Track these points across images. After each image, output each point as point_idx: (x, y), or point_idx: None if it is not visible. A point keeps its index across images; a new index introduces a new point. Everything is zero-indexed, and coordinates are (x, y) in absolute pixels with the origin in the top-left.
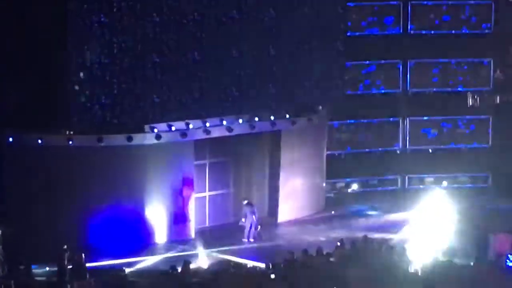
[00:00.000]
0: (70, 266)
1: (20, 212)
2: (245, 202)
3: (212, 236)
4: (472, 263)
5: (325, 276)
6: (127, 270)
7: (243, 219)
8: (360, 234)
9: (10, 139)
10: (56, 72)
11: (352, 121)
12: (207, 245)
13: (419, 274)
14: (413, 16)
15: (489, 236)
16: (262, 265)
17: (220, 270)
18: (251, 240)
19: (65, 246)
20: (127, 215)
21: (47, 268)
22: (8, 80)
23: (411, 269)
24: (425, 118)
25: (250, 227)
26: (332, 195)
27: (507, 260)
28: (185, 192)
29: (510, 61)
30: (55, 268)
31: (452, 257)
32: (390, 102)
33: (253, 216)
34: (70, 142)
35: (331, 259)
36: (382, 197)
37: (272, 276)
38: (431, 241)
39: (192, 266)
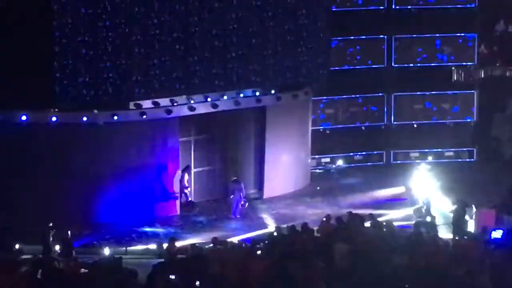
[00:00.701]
0: (57, 244)
1: (3, 190)
2: (233, 179)
3: (198, 213)
4: (456, 237)
5: (310, 251)
6: (112, 247)
7: (231, 196)
8: (345, 210)
9: None
10: (40, 49)
11: (337, 97)
12: (193, 221)
13: (404, 248)
14: None
15: (473, 211)
16: (247, 241)
17: (206, 247)
18: (238, 216)
19: (51, 224)
20: (111, 193)
21: (33, 247)
22: None
23: (396, 244)
24: (410, 93)
25: (237, 204)
26: (317, 170)
27: (491, 235)
28: (170, 169)
29: (494, 36)
30: (41, 246)
31: (436, 232)
32: (375, 77)
33: (240, 193)
34: (54, 119)
35: (317, 235)
36: (367, 173)
37: (258, 252)
38: (415, 216)
39: (177, 243)
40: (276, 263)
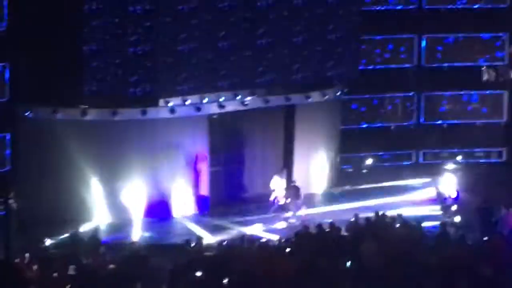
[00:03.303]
0: (85, 239)
1: (34, 186)
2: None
3: (227, 211)
4: (484, 238)
5: (338, 250)
6: (142, 244)
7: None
8: (373, 210)
9: (26, 113)
10: (71, 46)
11: (367, 96)
12: (222, 219)
13: (433, 249)
14: None
15: (502, 211)
16: (275, 239)
17: (233, 244)
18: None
19: (78, 219)
20: (142, 190)
21: (62, 241)
22: (23, 55)
23: (424, 244)
24: (439, 93)
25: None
26: (346, 170)
27: None
28: (199, 166)
29: None
30: (69, 241)
31: (465, 232)
32: (404, 77)
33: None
34: (85, 116)
35: (345, 234)
36: (396, 172)
37: (287, 249)
38: (444, 216)
39: (206, 240)
40: (305, 261)
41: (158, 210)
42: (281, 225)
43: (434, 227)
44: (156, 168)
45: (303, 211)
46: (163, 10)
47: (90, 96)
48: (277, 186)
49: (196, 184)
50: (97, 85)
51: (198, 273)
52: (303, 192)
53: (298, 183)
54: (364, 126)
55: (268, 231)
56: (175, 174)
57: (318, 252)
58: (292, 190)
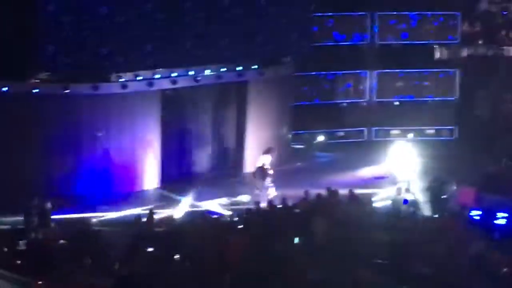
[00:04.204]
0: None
1: None
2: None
3: (178, 187)
4: (436, 215)
5: (289, 226)
6: (93, 219)
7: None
8: (325, 187)
9: None
10: (23, 19)
11: (319, 73)
12: (173, 194)
13: (384, 226)
14: None
15: (453, 188)
16: (227, 216)
17: (185, 221)
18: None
19: (33, 194)
20: (92, 165)
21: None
22: None
23: (376, 221)
24: (392, 70)
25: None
26: (298, 146)
27: (470, 213)
28: (150, 142)
29: (477, 15)
30: (21, 217)
31: (416, 210)
32: (357, 54)
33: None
34: (36, 90)
35: (296, 210)
36: (348, 150)
37: (240, 226)
38: (396, 193)
39: (156, 216)
40: (256, 238)
41: (112, 185)
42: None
43: (385, 204)
44: (109, 143)
45: (272, 192)
46: None
47: (41, 71)
48: (265, 164)
49: (147, 159)
50: (49, 60)
51: (150, 249)
52: (268, 172)
53: (266, 165)
54: (316, 103)
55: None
56: (128, 149)
57: (270, 229)
58: (259, 171)
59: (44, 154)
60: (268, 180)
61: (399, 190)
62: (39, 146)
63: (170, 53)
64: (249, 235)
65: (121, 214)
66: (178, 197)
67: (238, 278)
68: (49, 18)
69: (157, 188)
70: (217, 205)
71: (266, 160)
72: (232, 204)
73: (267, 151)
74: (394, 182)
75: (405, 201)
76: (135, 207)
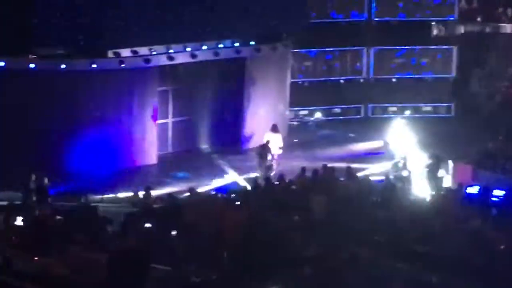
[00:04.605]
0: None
1: None
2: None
3: (175, 162)
4: (432, 192)
5: (286, 203)
6: (90, 196)
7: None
8: (322, 163)
9: None
10: None
11: (316, 49)
12: (170, 171)
13: (380, 203)
14: None
15: (450, 166)
16: (224, 191)
17: (182, 196)
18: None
19: (30, 170)
20: (89, 142)
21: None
22: None
23: (373, 198)
24: (390, 47)
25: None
26: (295, 123)
27: (467, 190)
28: (149, 118)
29: None
30: (19, 193)
31: (410, 187)
32: (354, 31)
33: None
34: (32, 66)
35: (293, 187)
36: (345, 126)
37: (235, 202)
38: (393, 170)
39: (153, 192)
40: (253, 214)
41: (110, 162)
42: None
43: (381, 180)
44: (106, 120)
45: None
46: None
47: (38, 47)
48: (270, 141)
49: (145, 136)
50: (45, 36)
51: (147, 225)
52: (270, 150)
53: (275, 143)
54: (313, 80)
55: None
56: (125, 125)
57: (267, 205)
58: (261, 149)
59: (40, 130)
60: (270, 158)
61: (396, 166)
62: (35, 121)
63: (167, 29)
64: (246, 211)
65: (118, 190)
66: (177, 174)
67: (236, 254)
68: None
69: (155, 163)
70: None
71: (275, 138)
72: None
73: (274, 129)
74: (390, 158)
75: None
76: (133, 183)
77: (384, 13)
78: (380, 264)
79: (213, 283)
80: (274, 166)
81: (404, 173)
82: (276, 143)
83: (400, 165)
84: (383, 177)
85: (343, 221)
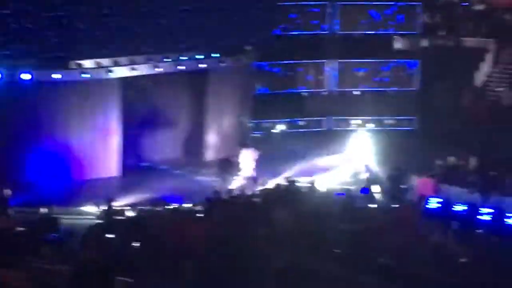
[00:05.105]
0: None
1: None
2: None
3: (137, 175)
4: (394, 205)
5: (248, 215)
6: (51, 207)
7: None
8: (285, 176)
9: None
10: None
11: (281, 62)
12: (132, 183)
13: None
14: None
15: (412, 179)
16: (187, 205)
17: (144, 209)
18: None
19: None
20: (52, 153)
21: None
22: None
23: (335, 212)
24: (353, 60)
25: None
26: (258, 135)
27: (428, 203)
28: (111, 130)
29: (438, 6)
30: None
31: (373, 199)
32: (318, 44)
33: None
34: None
35: (255, 200)
36: (308, 139)
37: (198, 214)
38: (355, 183)
39: (117, 204)
40: (216, 227)
41: (71, 173)
42: None
43: (343, 194)
44: (68, 131)
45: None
46: None
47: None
48: (245, 159)
49: (107, 148)
50: (7, 46)
51: (110, 235)
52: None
53: (232, 158)
54: (276, 92)
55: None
56: (87, 137)
57: (230, 218)
58: (224, 163)
59: (1, 141)
60: (234, 172)
61: (357, 178)
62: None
63: (131, 41)
64: (209, 224)
65: (80, 202)
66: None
67: (199, 266)
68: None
69: (119, 176)
70: None
71: (250, 155)
72: None
73: (245, 145)
74: (353, 171)
75: (364, 190)
76: (95, 195)
77: (348, 26)
78: (342, 277)
79: None
80: (253, 182)
81: (374, 188)
82: (250, 158)
83: (366, 178)
84: (345, 191)
85: (306, 234)
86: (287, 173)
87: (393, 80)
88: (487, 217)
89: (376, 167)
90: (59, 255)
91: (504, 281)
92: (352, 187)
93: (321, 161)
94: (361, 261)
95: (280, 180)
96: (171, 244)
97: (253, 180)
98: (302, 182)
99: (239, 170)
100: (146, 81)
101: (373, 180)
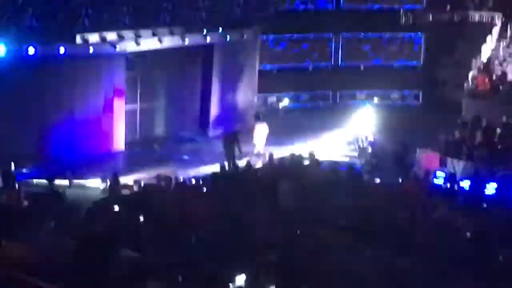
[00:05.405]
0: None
1: None
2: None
3: (143, 149)
4: (399, 179)
5: (253, 189)
6: (57, 181)
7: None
8: (289, 150)
9: None
10: None
11: (286, 36)
12: (138, 157)
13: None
14: None
15: (417, 153)
16: (192, 179)
17: (149, 184)
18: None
19: None
20: (56, 128)
21: None
22: None
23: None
24: (358, 34)
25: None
26: (263, 109)
27: (434, 178)
28: (116, 104)
29: None
30: None
31: (377, 173)
32: (323, 18)
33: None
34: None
35: (260, 174)
36: (313, 113)
37: (204, 189)
38: (360, 157)
39: (122, 178)
40: (220, 202)
41: (77, 148)
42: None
43: (348, 167)
44: (73, 106)
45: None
46: None
47: (5, 31)
48: (259, 132)
49: (113, 122)
50: (12, 20)
51: (116, 208)
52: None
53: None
54: (281, 66)
55: None
56: (93, 111)
57: (234, 192)
58: (228, 137)
59: (8, 116)
60: (239, 147)
61: (364, 153)
62: (2, 107)
63: (136, 15)
64: (213, 199)
65: (86, 176)
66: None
67: (202, 240)
68: None
69: (123, 150)
70: None
71: (263, 129)
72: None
73: (258, 118)
74: (358, 146)
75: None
76: (101, 169)
77: (353, 0)
78: (348, 249)
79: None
80: (262, 155)
81: (372, 161)
82: (263, 132)
83: (368, 152)
84: (349, 164)
85: (310, 208)
86: (292, 147)
87: (399, 55)
88: (492, 191)
89: (381, 141)
90: (64, 229)
91: (509, 255)
92: (352, 162)
93: (326, 135)
94: (367, 234)
95: (285, 154)
96: (175, 219)
97: (263, 154)
98: (307, 156)
99: (247, 145)
100: (151, 55)
101: (377, 155)
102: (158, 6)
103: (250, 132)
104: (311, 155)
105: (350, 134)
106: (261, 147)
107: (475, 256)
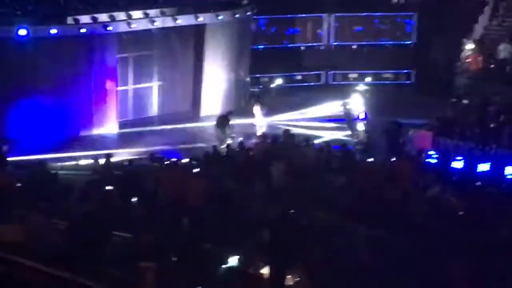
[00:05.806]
0: None
1: None
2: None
3: (135, 130)
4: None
5: (247, 169)
6: (49, 162)
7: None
8: (282, 129)
9: None
10: None
11: (278, 16)
12: (130, 138)
13: (340, 169)
14: None
15: (410, 133)
16: (184, 160)
17: (142, 164)
18: None
19: None
20: (48, 108)
21: None
22: None
23: (331, 164)
24: (350, 14)
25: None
26: (255, 89)
27: (427, 157)
28: (108, 85)
29: None
30: None
31: (370, 152)
32: None
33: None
34: None
35: (253, 153)
36: (306, 93)
37: (196, 170)
38: (352, 137)
39: (115, 159)
40: (213, 181)
41: (68, 129)
42: None
43: (340, 146)
44: (66, 86)
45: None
46: None
47: None
48: (257, 112)
49: (106, 102)
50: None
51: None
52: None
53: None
54: (274, 46)
55: None
56: (84, 93)
57: (227, 172)
58: (222, 119)
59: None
60: (231, 129)
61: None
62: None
63: None
64: (206, 179)
65: (79, 157)
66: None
67: (196, 221)
68: None
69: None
70: None
71: (260, 110)
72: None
73: (257, 100)
74: (351, 125)
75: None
76: (93, 150)
77: None
78: (340, 227)
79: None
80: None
81: (364, 140)
82: (260, 112)
83: (360, 131)
84: (342, 143)
85: (303, 187)
86: (285, 127)
87: (391, 34)
88: (485, 169)
89: (374, 121)
90: (57, 210)
91: (502, 232)
92: (345, 141)
93: (319, 114)
94: (359, 213)
95: (278, 133)
96: (168, 199)
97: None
98: (300, 135)
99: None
100: (143, 36)
101: (370, 134)
102: None
103: (243, 113)
104: (305, 135)
105: (342, 114)
106: (260, 127)
107: (466, 233)
